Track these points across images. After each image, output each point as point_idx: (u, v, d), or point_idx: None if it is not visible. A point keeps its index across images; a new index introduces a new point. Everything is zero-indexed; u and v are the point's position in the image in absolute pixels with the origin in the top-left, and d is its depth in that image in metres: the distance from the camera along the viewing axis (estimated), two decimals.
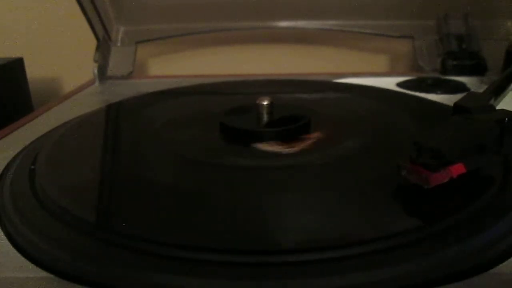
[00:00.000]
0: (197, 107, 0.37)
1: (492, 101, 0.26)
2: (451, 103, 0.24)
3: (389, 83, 0.43)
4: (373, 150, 0.26)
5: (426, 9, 0.51)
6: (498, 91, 0.28)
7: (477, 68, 0.47)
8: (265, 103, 0.29)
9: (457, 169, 0.20)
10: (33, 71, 0.55)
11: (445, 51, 0.49)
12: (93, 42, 0.51)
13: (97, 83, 0.49)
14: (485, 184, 0.21)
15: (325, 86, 0.43)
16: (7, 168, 0.26)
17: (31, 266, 0.17)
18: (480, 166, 0.21)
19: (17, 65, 0.51)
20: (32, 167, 0.25)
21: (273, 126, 0.29)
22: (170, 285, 0.16)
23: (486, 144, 0.21)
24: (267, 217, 0.20)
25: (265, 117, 0.29)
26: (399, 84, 0.43)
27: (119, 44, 0.55)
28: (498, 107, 0.24)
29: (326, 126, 0.30)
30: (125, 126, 0.34)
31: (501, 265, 0.17)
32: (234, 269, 0.16)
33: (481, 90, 0.28)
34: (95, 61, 0.50)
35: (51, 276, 0.17)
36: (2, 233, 0.20)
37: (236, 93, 0.41)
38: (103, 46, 0.51)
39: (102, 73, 0.50)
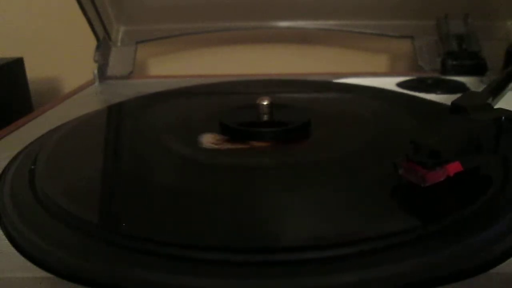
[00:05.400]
0: (197, 107, 0.37)
1: (490, 101, 0.26)
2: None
3: (389, 83, 0.43)
4: (372, 150, 0.26)
5: (426, 9, 0.51)
6: (496, 90, 0.28)
7: (477, 68, 0.47)
8: (265, 103, 0.29)
9: (454, 167, 0.20)
10: (33, 71, 0.55)
11: (445, 51, 0.49)
12: (93, 42, 0.51)
13: (97, 83, 0.49)
14: (485, 184, 0.21)
15: (325, 86, 0.43)
16: (7, 168, 0.26)
17: (31, 266, 0.17)
18: (478, 165, 0.21)
19: (17, 65, 0.51)
20: (32, 167, 0.25)
21: (273, 126, 0.29)
22: (170, 284, 0.16)
23: (483, 143, 0.21)
24: (266, 216, 0.20)
25: (265, 117, 0.29)
26: (399, 84, 0.43)
27: (119, 44, 0.55)
28: (496, 107, 0.24)
29: (326, 126, 0.30)
30: (125, 127, 0.34)
31: (501, 265, 0.17)
32: (233, 268, 0.16)
33: (480, 90, 0.28)
34: (95, 61, 0.50)
35: (51, 276, 0.17)
36: (2, 233, 0.20)
37: (236, 93, 0.41)
38: (103, 46, 0.51)
39: (102, 73, 0.50)
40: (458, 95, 0.25)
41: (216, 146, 0.26)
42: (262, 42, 0.60)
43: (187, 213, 0.20)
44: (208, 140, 0.27)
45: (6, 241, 0.19)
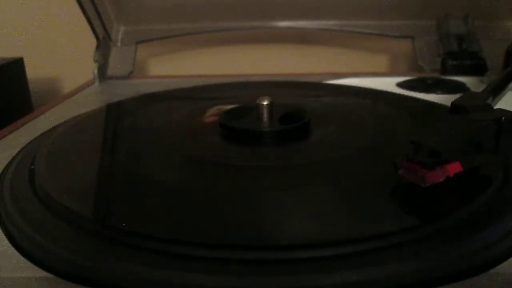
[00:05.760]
0: (197, 107, 0.37)
1: (490, 101, 0.26)
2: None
3: (389, 83, 0.43)
4: (372, 150, 0.26)
5: (426, 9, 0.51)
6: (496, 90, 0.28)
7: (477, 68, 0.47)
8: (265, 103, 0.29)
9: (454, 167, 0.20)
10: (33, 71, 0.55)
11: (445, 51, 0.49)
12: (93, 42, 0.51)
13: (97, 83, 0.49)
14: (485, 184, 0.21)
15: (325, 86, 0.43)
16: (7, 168, 0.26)
17: (31, 266, 0.17)
18: (478, 165, 0.21)
19: (17, 65, 0.51)
20: (32, 166, 0.25)
21: (273, 126, 0.29)
22: (171, 282, 0.16)
23: (483, 143, 0.21)
24: (265, 215, 0.20)
25: (265, 117, 0.29)
26: (399, 84, 0.43)
27: (119, 44, 0.55)
28: (496, 107, 0.24)
29: (326, 126, 0.30)
30: (124, 125, 0.34)
31: (501, 265, 0.17)
32: (232, 266, 0.16)
33: (480, 90, 0.28)
34: (95, 61, 0.50)
35: (51, 276, 0.17)
36: (2, 233, 0.20)
37: (236, 94, 0.41)
38: (103, 46, 0.51)
39: (102, 73, 0.50)
40: (458, 95, 0.25)
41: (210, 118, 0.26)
42: (262, 42, 0.60)
43: (188, 211, 0.20)
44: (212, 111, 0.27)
45: (6, 241, 0.19)
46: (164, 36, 0.55)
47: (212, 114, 0.27)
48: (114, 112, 0.36)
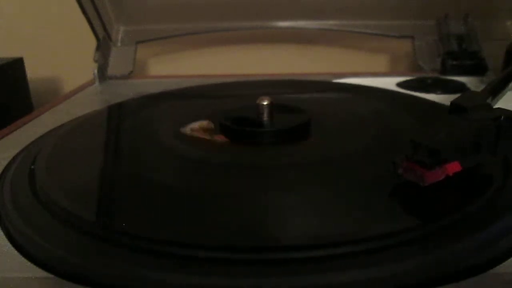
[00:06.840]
0: (198, 108, 0.37)
1: (489, 100, 0.26)
2: None
3: (389, 83, 0.43)
4: (372, 150, 0.26)
5: (426, 9, 0.51)
6: (495, 90, 0.28)
7: (477, 68, 0.47)
8: (265, 103, 0.29)
9: (453, 167, 0.20)
10: (33, 71, 0.55)
11: (445, 51, 0.49)
12: (93, 42, 0.51)
13: (97, 83, 0.49)
14: (485, 183, 0.21)
15: (325, 86, 0.43)
16: (7, 168, 0.26)
17: (31, 266, 0.17)
18: (478, 164, 0.21)
19: (17, 65, 0.51)
20: (32, 167, 0.25)
21: (273, 126, 0.29)
22: (170, 284, 0.16)
23: (482, 142, 0.21)
24: (266, 215, 0.20)
25: (265, 117, 0.29)
26: (399, 84, 0.43)
27: (119, 44, 0.55)
28: (495, 107, 0.24)
29: (326, 126, 0.30)
30: (125, 127, 0.34)
31: (501, 265, 0.17)
32: (231, 266, 0.16)
33: (480, 90, 0.28)
34: (95, 61, 0.50)
35: (51, 276, 0.17)
36: (2, 233, 0.20)
37: (236, 93, 0.41)
38: (103, 46, 0.51)
39: (102, 73, 0.50)
40: (458, 95, 0.25)
41: (196, 134, 0.26)
42: (262, 42, 0.60)
43: (187, 212, 0.20)
44: (194, 126, 0.27)
45: (6, 241, 0.19)
46: (164, 36, 0.55)
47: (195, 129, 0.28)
48: (115, 113, 0.36)
